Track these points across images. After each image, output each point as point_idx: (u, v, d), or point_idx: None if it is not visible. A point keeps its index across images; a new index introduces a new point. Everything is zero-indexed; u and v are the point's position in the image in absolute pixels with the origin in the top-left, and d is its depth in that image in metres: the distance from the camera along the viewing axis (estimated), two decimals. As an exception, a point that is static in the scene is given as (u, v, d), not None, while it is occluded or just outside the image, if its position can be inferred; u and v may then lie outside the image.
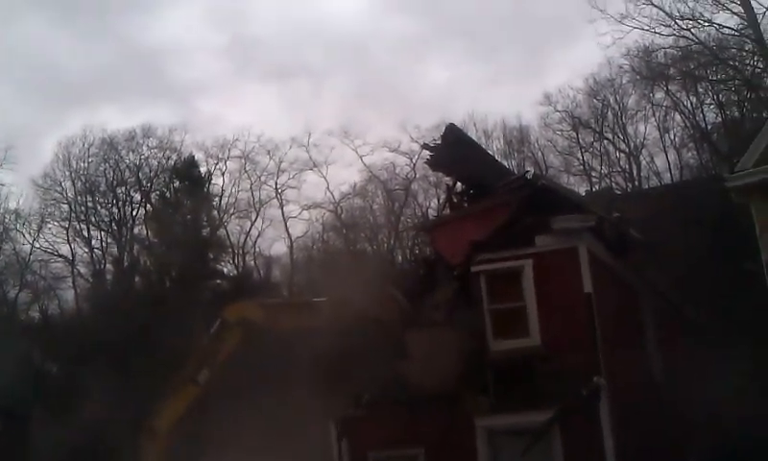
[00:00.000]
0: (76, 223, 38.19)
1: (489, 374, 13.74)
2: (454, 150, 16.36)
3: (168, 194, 38.32)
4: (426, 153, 16.83)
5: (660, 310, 17.56)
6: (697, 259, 19.65)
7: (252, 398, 21.12)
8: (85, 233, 38.30)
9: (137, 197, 38.99)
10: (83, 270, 38.34)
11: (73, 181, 38.54)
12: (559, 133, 46.37)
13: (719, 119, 31.01)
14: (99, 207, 38.53)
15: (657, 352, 16.41)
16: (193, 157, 38.44)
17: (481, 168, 16.25)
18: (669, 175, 32.73)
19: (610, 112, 35.31)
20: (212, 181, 39.79)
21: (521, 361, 13.50)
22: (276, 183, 53.18)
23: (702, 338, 18.91)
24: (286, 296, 31.57)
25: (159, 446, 17.05)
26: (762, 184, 11.57)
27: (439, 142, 16.77)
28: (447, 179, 18.97)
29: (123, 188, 38.77)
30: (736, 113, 29.95)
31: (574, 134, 36.98)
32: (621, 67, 30.89)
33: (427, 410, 13.96)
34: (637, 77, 30.10)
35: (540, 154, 38.61)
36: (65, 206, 38.20)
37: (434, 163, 17.16)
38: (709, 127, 31.40)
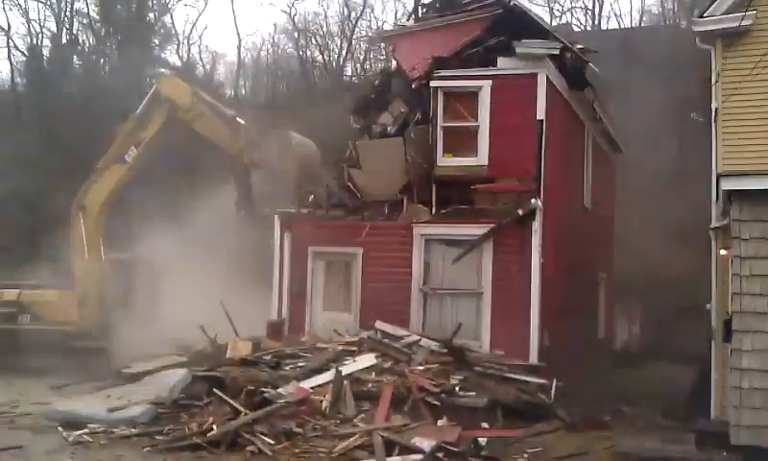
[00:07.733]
0: (11, -11, 35.59)
1: (433, 187, 14.12)
2: (428, -43, 15.71)
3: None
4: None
5: (599, 145, 18.16)
6: (645, 103, 20.12)
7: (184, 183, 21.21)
8: (22, 2, 35.73)
9: (78, -32, 36.14)
10: (18, 43, 36.20)
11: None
12: (531, -45, 45.17)
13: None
14: (36, -25, 35.76)
15: (590, 182, 17.11)
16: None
17: (452, -19, 15.69)
18: (630, 19, 32.51)
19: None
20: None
21: (466, 179, 13.89)
22: (229, -28, 50.12)
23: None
24: (226, 98, 30.66)
25: (91, 222, 17.34)
26: (727, 33, 11.66)
27: (412, -53, 16.02)
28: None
29: (63, -43, 35.80)
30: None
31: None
32: None
33: (370, 215, 14.43)
34: None
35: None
36: (-2, -30, 35.32)
37: (404, -31, 16.44)
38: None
